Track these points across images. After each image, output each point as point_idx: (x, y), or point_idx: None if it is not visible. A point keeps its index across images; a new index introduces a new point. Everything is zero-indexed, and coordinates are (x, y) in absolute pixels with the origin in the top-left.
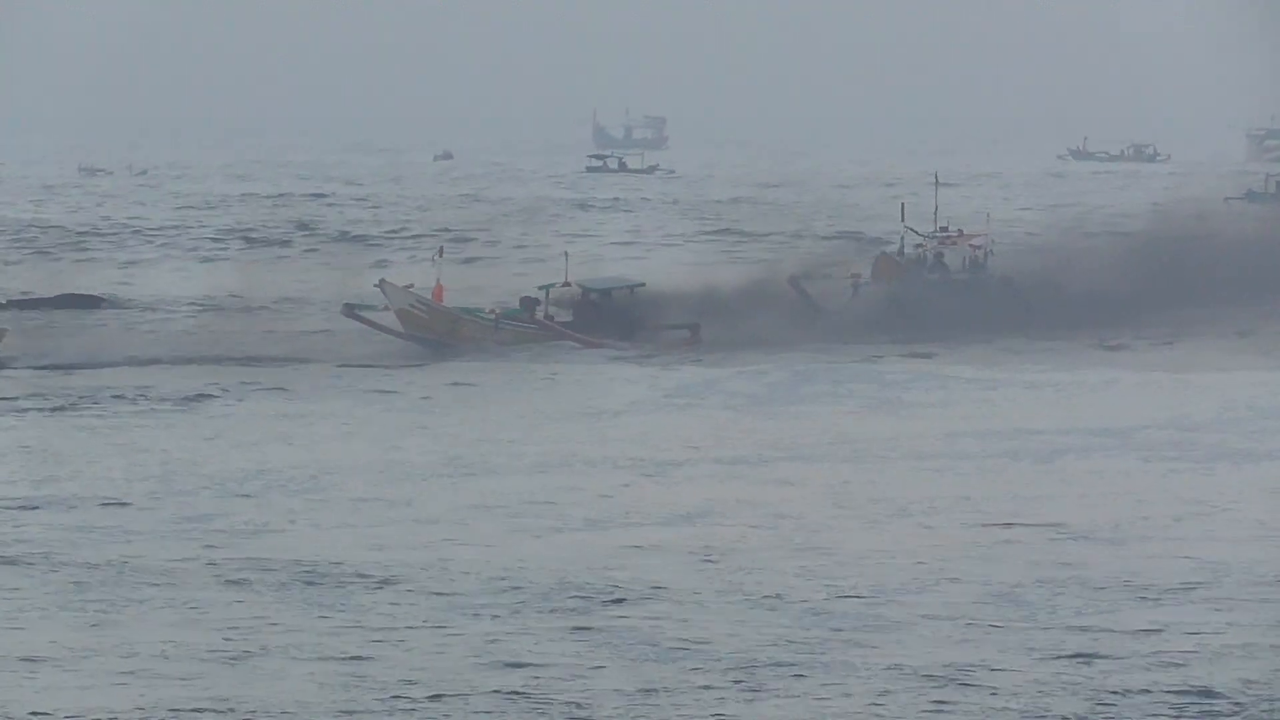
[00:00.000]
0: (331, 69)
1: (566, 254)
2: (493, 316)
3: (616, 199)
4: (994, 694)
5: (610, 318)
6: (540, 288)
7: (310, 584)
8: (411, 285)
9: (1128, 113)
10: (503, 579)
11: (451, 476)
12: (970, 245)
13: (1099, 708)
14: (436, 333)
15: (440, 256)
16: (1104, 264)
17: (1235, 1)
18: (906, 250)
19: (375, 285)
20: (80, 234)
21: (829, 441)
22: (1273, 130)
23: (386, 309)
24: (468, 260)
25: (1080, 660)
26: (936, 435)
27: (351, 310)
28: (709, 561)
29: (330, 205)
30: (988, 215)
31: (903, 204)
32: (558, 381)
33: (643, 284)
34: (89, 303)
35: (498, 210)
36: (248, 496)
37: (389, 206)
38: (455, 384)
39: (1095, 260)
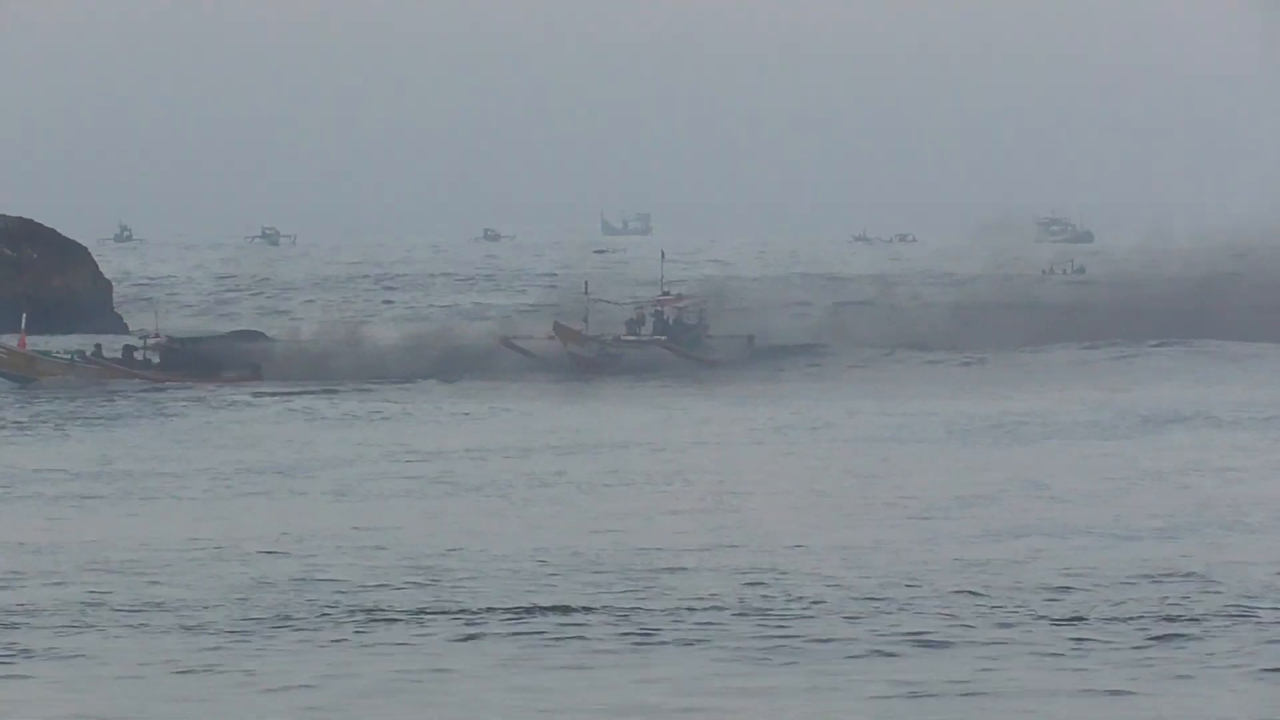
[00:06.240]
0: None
1: (156, 312)
2: (67, 357)
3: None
4: None
5: (194, 361)
6: (140, 338)
7: None
8: None
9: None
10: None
11: None
12: (676, 306)
13: None
14: (18, 370)
15: (25, 317)
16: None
17: None
18: (589, 318)
19: None
20: None
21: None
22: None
23: None
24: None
25: None
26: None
27: None
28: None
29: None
30: (700, 281)
31: (586, 281)
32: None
33: (232, 334)
34: None
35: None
36: None
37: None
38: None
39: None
